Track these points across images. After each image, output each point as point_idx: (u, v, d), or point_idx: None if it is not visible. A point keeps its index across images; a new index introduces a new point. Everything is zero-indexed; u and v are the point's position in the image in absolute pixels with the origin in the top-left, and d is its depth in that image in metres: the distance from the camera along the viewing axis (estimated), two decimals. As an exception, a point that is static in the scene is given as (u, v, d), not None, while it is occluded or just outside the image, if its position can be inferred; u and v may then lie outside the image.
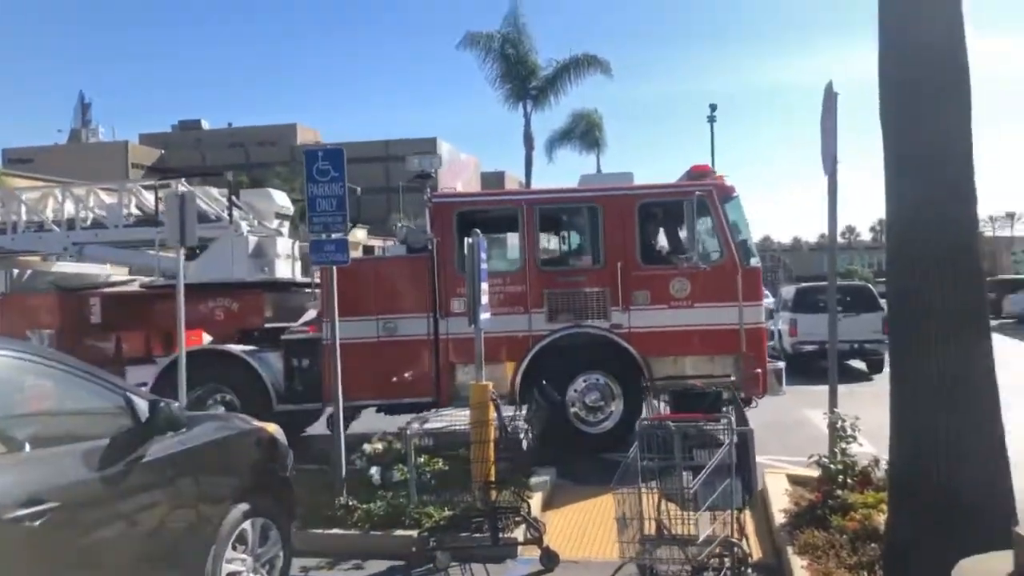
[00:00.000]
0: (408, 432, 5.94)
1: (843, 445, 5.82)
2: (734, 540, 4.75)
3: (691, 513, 4.43)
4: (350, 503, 6.04)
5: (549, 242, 10.78)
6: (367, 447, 6.70)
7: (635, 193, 9.00)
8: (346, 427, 9.59)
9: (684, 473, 4.46)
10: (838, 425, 5.89)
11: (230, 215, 9.62)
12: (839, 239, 7.21)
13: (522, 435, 5.85)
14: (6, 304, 9.51)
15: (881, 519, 4.91)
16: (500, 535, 5.57)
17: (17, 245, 10.24)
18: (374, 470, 6.39)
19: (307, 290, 10.17)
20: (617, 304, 8.61)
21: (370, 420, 9.19)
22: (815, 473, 5.99)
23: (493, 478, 5.73)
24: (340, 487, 6.25)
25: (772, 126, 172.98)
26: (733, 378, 6.30)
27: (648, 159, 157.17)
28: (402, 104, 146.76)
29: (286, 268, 9.84)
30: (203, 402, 8.62)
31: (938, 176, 3.88)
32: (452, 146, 51.87)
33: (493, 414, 5.97)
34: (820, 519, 5.28)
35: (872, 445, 6.13)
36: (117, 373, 8.49)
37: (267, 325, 9.39)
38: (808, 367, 9.35)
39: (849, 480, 5.63)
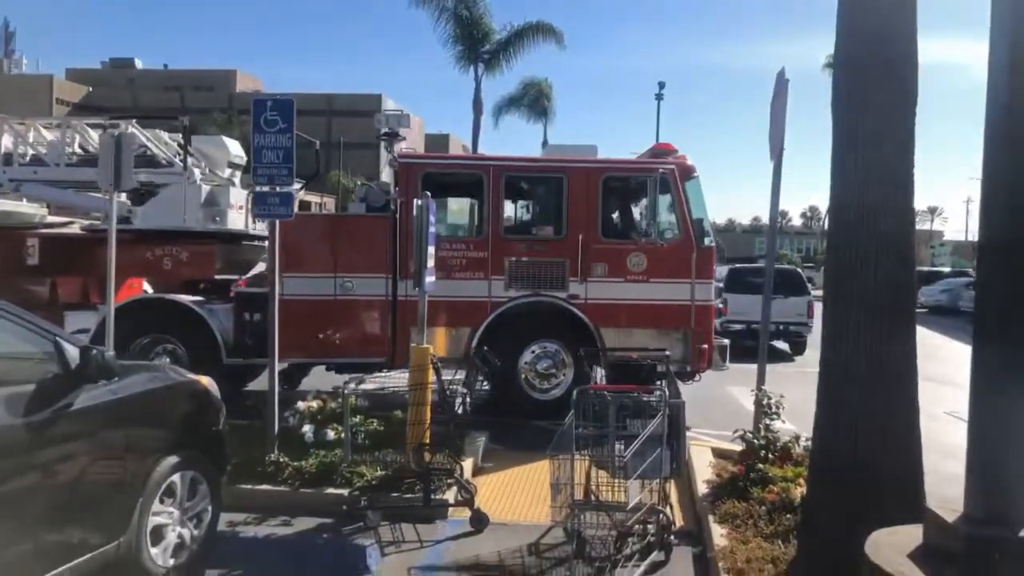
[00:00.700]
0: (344, 391, 5.91)
1: (767, 422, 6.06)
2: (659, 508, 4.93)
3: (621, 481, 4.55)
4: (281, 459, 6.02)
5: (514, 210, 10.80)
6: (301, 405, 6.66)
7: (601, 167, 9.08)
8: (297, 384, 9.53)
9: (616, 443, 4.58)
10: (764, 403, 6.12)
11: (185, 162, 9.29)
12: (771, 223, 7.44)
13: (458, 399, 5.88)
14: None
15: (799, 492, 5.15)
16: (432, 496, 5.63)
17: None
18: (307, 428, 6.36)
19: (257, 243, 9.93)
20: (576, 275, 8.73)
21: (321, 379, 9.12)
22: (738, 447, 6.22)
23: (428, 440, 5.77)
24: (272, 443, 6.21)
25: (713, 109, 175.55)
26: (668, 352, 6.45)
27: (593, 133, 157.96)
28: (347, 58, 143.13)
29: (238, 219, 9.59)
30: (148, 352, 8.45)
31: (877, 157, 4.02)
32: (396, 103, 51.05)
33: (433, 377, 5.99)
34: (741, 491, 5.51)
35: (793, 423, 6.39)
36: (55, 318, 8.26)
37: (216, 277, 9.18)
38: (734, 346, 9.66)
39: (771, 455, 5.87)
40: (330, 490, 5.77)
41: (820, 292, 5.15)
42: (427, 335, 6.51)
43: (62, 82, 70.91)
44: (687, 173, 9.02)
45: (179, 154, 9.57)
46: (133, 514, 4.03)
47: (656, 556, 4.84)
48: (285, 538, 5.25)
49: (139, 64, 77.92)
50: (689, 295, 8.76)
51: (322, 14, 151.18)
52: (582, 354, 7.21)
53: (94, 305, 8.91)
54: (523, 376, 8.86)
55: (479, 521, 5.44)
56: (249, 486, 5.78)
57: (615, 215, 9.82)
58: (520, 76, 35.83)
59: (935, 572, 2.86)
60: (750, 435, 6.05)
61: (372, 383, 6.86)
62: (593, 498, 4.71)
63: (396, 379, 6.40)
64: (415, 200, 6.62)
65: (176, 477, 4.38)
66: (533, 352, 8.87)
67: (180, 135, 9.83)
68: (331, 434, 6.30)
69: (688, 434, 7.72)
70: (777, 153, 6.66)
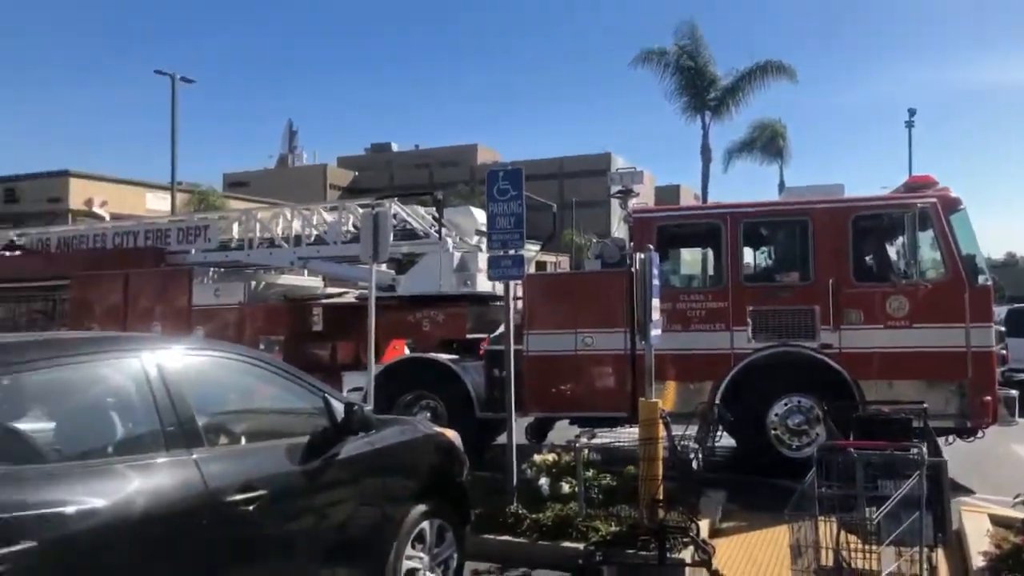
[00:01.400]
0: (576, 445, 6.05)
1: (1059, 486, 5.22)
2: (925, 580, 4.43)
3: (873, 547, 4.18)
4: (520, 511, 6.23)
5: (753, 257, 10.55)
6: (537, 458, 6.89)
7: (850, 206, 8.60)
8: (544, 436, 9.95)
9: (866, 504, 4.22)
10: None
11: (439, 232, 10.22)
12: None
13: (692, 456, 5.77)
14: (245, 313, 10.71)
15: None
16: (668, 555, 5.52)
17: (252, 259, 11.56)
18: (543, 480, 6.56)
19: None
20: (828, 323, 8.24)
21: (567, 432, 9.38)
22: (1022, 515, 5.42)
23: (660, 497, 5.70)
24: (511, 495, 6.46)
25: (975, 133, 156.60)
26: (926, 404, 5.84)
27: (835, 171, 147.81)
28: (575, 123, 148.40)
29: (486, 282, 10.36)
30: (411, 407, 9.22)
31: None
32: (625, 160, 51.78)
33: (663, 432, 5.94)
34: (1026, 566, 4.78)
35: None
36: (335, 377, 9.44)
37: (468, 336, 9.90)
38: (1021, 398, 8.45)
39: (1064, 525, 5.05)
40: (566, 543, 5.88)
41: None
42: (665, 389, 6.49)
43: (334, 169, 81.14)
44: (951, 206, 8.24)
45: (433, 225, 10.52)
46: (389, 556, 4.39)
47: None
48: (524, 589, 5.42)
49: (395, 147, 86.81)
50: (964, 341, 7.87)
51: (550, 84, 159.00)
52: (827, 409, 6.73)
53: (366, 365, 10.03)
54: (772, 431, 8.42)
55: (717, 582, 5.23)
56: (491, 536, 6.04)
57: (868, 256, 9.12)
58: (749, 119, 34.86)
59: None
60: (1037, 501, 5.24)
61: (603, 437, 6.93)
62: (845, 565, 4.36)
63: (626, 434, 6.42)
64: (637, 254, 6.72)
65: (425, 524, 4.69)
66: (785, 406, 8.41)
67: (434, 208, 10.83)
68: (566, 487, 6.44)
69: (964, 499, 6.88)
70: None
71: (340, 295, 11.40)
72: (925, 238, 8.26)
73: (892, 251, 9.24)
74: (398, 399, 9.20)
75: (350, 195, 68.16)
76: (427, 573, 4.70)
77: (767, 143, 35.19)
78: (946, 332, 7.96)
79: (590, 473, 6.34)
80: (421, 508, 4.61)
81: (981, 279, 8.13)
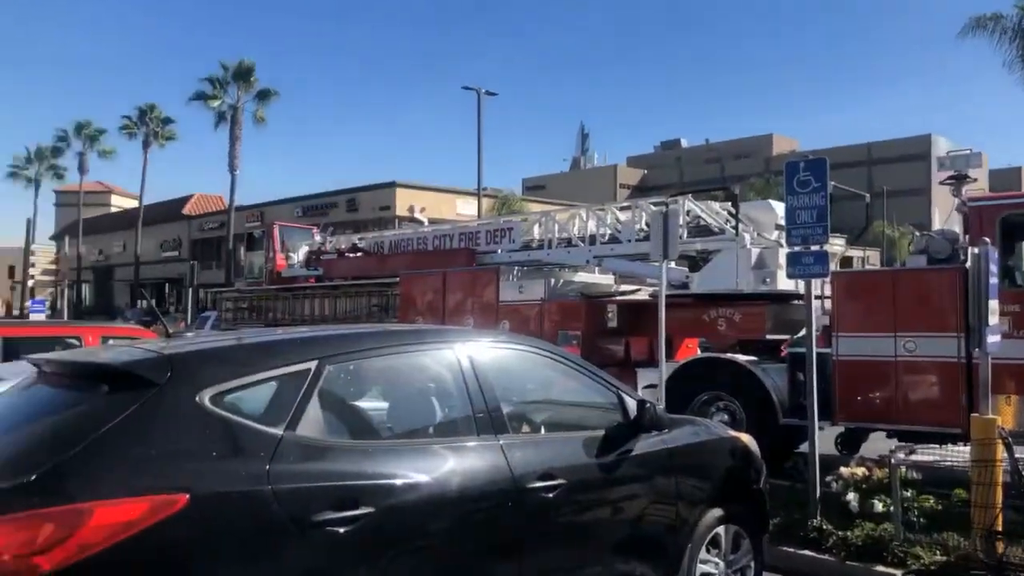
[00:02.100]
0: (892, 461, 5.46)
1: None
2: None
3: None
4: (824, 526, 5.81)
5: None
6: (844, 470, 6.35)
7: None
8: (856, 448, 9.19)
9: None
10: None
11: (735, 228, 9.95)
12: None
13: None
14: (545, 309, 11.25)
15: None
16: (1009, 595, 4.76)
17: (551, 258, 12.21)
18: (851, 496, 6.03)
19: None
20: None
21: (875, 445, 8.61)
22: None
23: (999, 528, 4.92)
24: (814, 508, 6.05)
25: None
26: None
27: None
28: (883, 105, 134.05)
29: (786, 280, 9.87)
30: (706, 409, 9.04)
31: None
32: (948, 142, 45.55)
33: (1002, 454, 5.13)
34: None
35: None
36: (628, 373, 9.63)
37: (768, 337, 9.50)
38: None
39: None
40: (879, 567, 5.35)
41: None
42: (1005, 403, 5.63)
43: (624, 168, 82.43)
44: None
45: (729, 221, 10.22)
46: (683, 558, 4.33)
47: None
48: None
49: (684, 143, 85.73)
50: None
51: (849, 66, 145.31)
52: None
53: (657, 362, 10.05)
54: None
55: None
56: (791, 549, 5.73)
57: None
58: None
59: None
60: None
61: (925, 454, 6.17)
62: None
63: (955, 452, 5.64)
64: (972, 248, 5.86)
65: (720, 529, 4.57)
66: None
67: (729, 203, 10.52)
68: (878, 505, 5.85)
69: None
70: None
71: (633, 292, 11.55)
72: None
73: None
74: (693, 399, 9.05)
75: (639, 193, 68.79)
76: (722, 579, 4.57)
77: None
78: None
79: (908, 493, 5.68)
80: (716, 512, 4.51)
81: None
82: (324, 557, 2.85)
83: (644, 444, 4.18)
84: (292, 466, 2.88)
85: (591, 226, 11.83)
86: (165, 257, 54.88)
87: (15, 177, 57.12)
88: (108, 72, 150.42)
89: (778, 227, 10.31)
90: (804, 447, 9.18)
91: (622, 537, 4.08)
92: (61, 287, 34.89)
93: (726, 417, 8.74)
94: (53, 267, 29.79)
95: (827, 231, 6.20)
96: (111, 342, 7.68)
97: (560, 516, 3.69)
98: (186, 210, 55.73)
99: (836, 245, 10.02)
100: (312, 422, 3.06)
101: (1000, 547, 4.83)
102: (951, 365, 7.67)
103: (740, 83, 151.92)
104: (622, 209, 11.96)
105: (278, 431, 2.94)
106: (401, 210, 39.84)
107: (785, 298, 9.81)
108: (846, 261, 17.47)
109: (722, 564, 4.57)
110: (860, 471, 6.27)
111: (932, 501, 5.73)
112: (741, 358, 9.07)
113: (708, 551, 4.49)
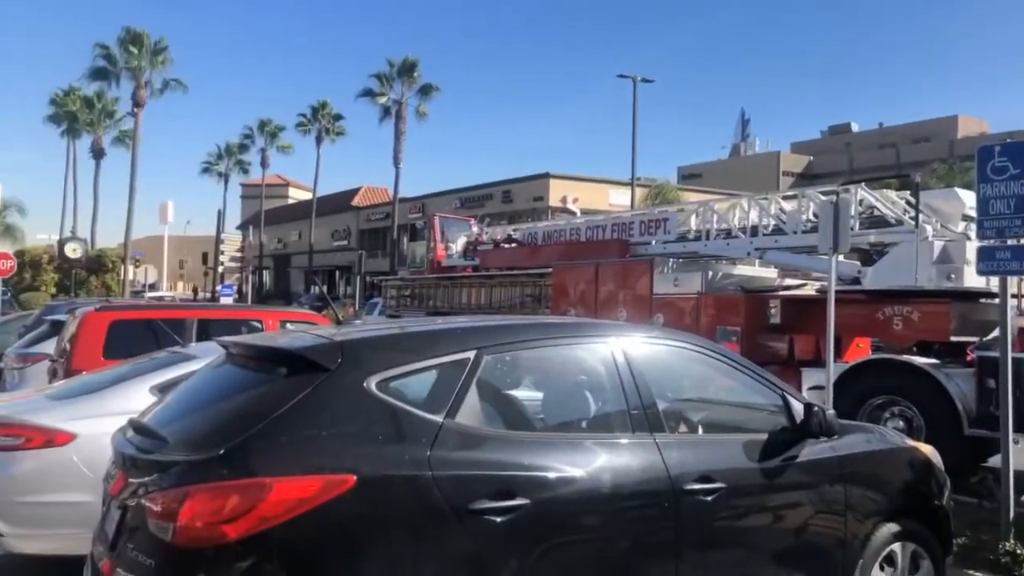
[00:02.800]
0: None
1: None
2: None
3: None
4: (1017, 551, 5.25)
5: None
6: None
7: None
8: None
9: None
10: None
11: (915, 219, 9.14)
12: None
13: None
14: (702, 302, 10.90)
15: None
16: None
17: (709, 250, 11.69)
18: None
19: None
20: None
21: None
22: None
23: None
24: (1006, 530, 5.47)
25: None
26: None
27: None
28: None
29: (975, 276, 8.98)
30: (879, 414, 8.46)
31: None
32: None
33: None
34: None
35: None
36: (792, 373, 9.12)
37: (952, 339, 8.73)
38: None
39: None
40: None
41: None
42: None
43: (787, 155, 78.30)
44: None
45: (907, 211, 9.44)
46: (853, 573, 4.07)
47: None
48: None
49: (855, 127, 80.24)
50: None
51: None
52: None
53: (824, 362, 9.42)
54: None
55: None
56: (977, 574, 5.23)
57: None
58: None
59: None
60: None
61: None
62: None
63: None
64: None
65: (896, 546, 4.23)
66: None
67: (908, 192, 9.71)
68: (1085, 532, 5.20)
69: None
70: None
71: (799, 287, 10.90)
72: None
73: None
74: (864, 403, 8.44)
75: (804, 181, 65.20)
76: (897, 599, 4.24)
77: None
78: None
79: None
80: (891, 528, 4.18)
81: None
82: (480, 545, 2.90)
83: (811, 450, 3.95)
84: (451, 453, 2.95)
85: (753, 216, 11.25)
86: (336, 246, 58.56)
87: (208, 172, 62.92)
88: (289, 67, 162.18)
89: (965, 218, 9.43)
90: (993, 461, 8.41)
91: (785, 547, 3.87)
92: (246, 273, 38.23)
93: (901, 424, 8.14)
94: (239, 255, 32.77)
95: (1031, 221, 5.57)
96: (289, 326, 8.24)
97: (719, 521, 3.56)
98: (354, 202, 59.18)
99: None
100: (470, 411, 3.12)
101: None
102: None
103: (917, 65, 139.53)
104: (787, 198, 11.31)
105: (439, 418, 3.02)
106: (554, 201, 40.16)
107: (972, 296, 8.96)
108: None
109: (898, 583, 4.23)
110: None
111: None
112: (919, 360, 8.38)
113: (882, 568, 4.18)
